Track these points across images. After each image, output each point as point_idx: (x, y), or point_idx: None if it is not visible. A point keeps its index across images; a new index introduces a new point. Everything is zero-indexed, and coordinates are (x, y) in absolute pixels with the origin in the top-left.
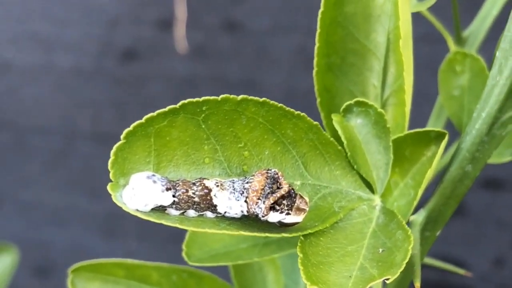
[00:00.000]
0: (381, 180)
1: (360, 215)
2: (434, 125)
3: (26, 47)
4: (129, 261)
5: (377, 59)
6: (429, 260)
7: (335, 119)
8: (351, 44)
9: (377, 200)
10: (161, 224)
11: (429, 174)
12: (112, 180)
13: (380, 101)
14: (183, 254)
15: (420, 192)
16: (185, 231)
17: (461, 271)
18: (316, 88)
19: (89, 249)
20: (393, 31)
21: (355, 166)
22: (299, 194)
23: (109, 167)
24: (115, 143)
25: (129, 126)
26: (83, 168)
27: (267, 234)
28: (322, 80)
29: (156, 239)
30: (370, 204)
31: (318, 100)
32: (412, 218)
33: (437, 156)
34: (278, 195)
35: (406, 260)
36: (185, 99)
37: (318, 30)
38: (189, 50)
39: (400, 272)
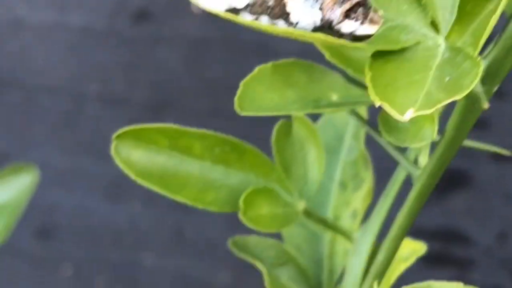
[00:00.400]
0: (446, 22)
1: (426, 50)
2: None
3: (39, 4)
4: (173, 127)
5: None
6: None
7: None
8: None
9: (442, 40)
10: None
11: (491, 25)
12: None
13: None
14: (236, 106)
15: (480, 46)
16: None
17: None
18: None
19: (94, 212)
20: None
21: (422, 2)
22: (374, 7)
23: None
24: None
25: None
26: (91, 130)
27: (341, 41)
28: None
29: (162, 204)
30: (435, 42)
31: None
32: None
33: (500, 6)
34: (354, 1)
35: (476, 81)
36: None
37: None
38: (203, 11)
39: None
